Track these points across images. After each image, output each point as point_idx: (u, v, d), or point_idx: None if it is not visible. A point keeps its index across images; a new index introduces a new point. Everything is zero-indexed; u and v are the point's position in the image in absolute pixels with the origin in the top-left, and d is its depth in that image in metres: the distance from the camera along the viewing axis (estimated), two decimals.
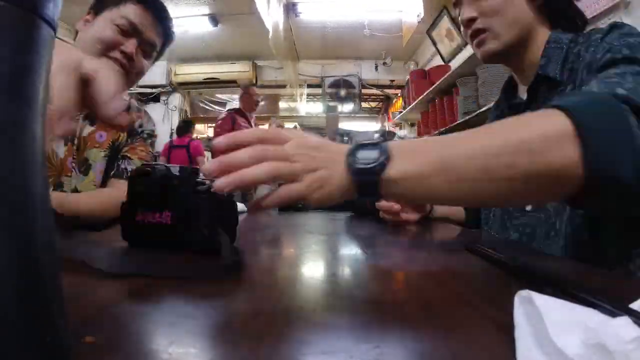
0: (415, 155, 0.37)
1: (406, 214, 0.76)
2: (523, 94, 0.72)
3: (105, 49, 0.82)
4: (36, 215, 0.14)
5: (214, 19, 3.71)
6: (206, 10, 3.59)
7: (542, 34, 0.67)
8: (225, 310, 0.27)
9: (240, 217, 0.48)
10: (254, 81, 4.67)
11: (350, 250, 0.52)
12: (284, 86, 4.74)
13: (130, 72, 0.86)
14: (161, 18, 0.89)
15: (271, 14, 3.06)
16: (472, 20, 0.67)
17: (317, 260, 0.46)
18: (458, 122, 2.45)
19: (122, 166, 0.95)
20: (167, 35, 0.92)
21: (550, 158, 0.35)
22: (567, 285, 0.24)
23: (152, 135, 1.03)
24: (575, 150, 0.34)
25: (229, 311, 0.26)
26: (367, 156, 0.36)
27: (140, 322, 0.24)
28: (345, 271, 0.40)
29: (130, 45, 0.84)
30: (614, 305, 0.19)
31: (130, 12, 0.84)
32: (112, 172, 0.93)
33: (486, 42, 0.67)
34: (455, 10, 0.74)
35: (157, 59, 0.94)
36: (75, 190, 0.87)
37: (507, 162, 0.35)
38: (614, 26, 0.59)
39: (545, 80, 0.65)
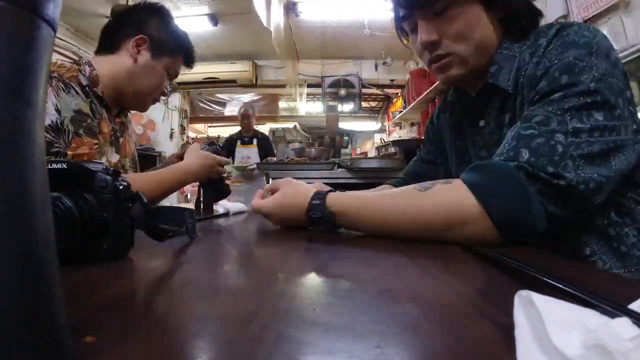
0: (344, 212, 0.56)
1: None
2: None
3: (158, 93, 1.03)
4: (36, 215, 0.14)
5: (214, 19, 3.70)
6: (206, 10, 3.59)
7: (495, 44, 0.63)
8: (226, 310, 0.27)
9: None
10: (254, 81, 4.66)
11: (348, 250, 0.52)
12: (283, 86, 4.74)
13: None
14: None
15: (273, 14, 3.06)
16: (433, 43, 0.61)
17: (315, 259, 0.46)
18: None
19: None
20: None
21: (465, 233, 0.49)
22: (567, 285, 0.24)
23: None
24: (490, 227, 0.48)
25: (230, 311, 0.26)
26: (316, 209, 0.57)
27: (141, 321, 0.24)
28: (344, 271, 0.40)
29: (167, 85, 1.07)
30: (614, 306, 0.19)
31: (179, 66, 1.06)
32: None
33: (451, 68, 0.62)
34: (405, 28, 0.67)
35: None
36: None
37: (419, 234, 0.52)
38: (560, 29, 0.57)
39: (496, 89, 0.62)
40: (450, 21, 0.60)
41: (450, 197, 0.51)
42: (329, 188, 0.63)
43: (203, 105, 5.53)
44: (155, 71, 0.99)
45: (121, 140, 1.02)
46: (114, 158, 0.97)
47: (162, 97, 1.07)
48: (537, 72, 0.56)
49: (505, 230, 0.48)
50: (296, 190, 0.62)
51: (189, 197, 5.45)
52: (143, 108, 1.06)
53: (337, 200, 0.57)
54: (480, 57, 0.62)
